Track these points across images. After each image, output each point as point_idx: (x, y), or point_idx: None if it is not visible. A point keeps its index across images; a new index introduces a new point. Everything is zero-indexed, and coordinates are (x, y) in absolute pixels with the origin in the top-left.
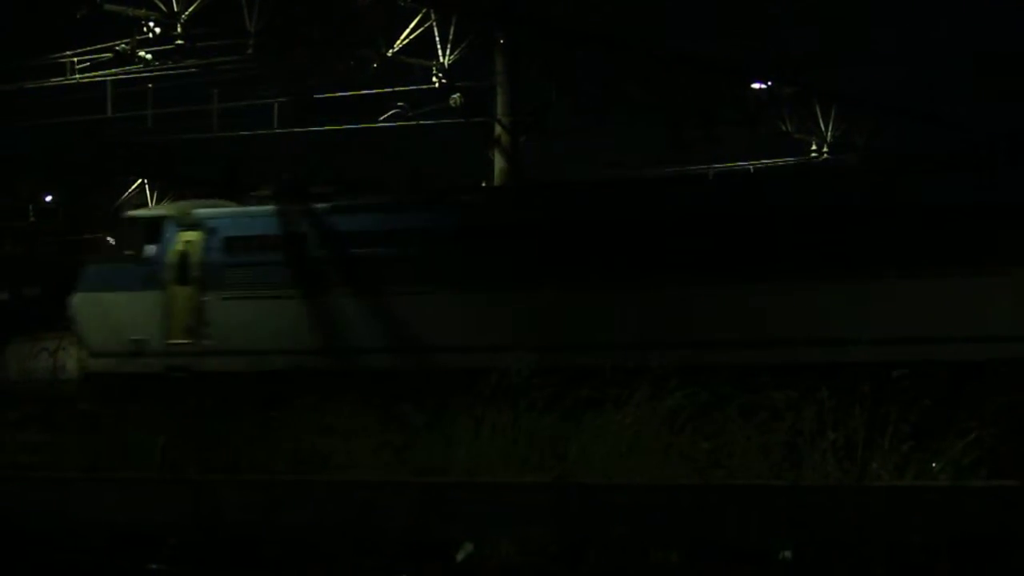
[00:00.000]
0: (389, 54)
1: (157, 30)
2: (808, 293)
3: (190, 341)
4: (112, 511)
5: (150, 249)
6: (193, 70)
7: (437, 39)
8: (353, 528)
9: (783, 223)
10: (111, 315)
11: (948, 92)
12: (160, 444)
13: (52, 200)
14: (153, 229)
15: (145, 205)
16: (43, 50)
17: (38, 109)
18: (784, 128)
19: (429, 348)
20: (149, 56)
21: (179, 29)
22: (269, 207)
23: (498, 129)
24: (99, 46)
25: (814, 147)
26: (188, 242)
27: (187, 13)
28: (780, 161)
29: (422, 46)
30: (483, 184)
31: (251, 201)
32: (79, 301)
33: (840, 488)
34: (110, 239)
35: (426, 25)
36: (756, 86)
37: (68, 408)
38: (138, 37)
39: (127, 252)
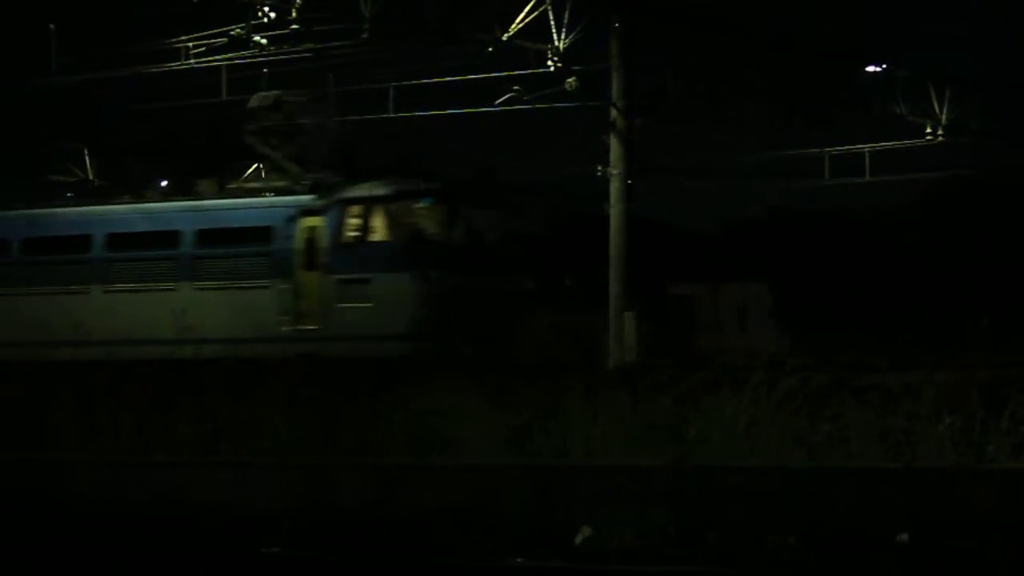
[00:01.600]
0: (504, 38)
1: (272, 14)
2: None
3: None
4: (229, 494)
5: None
6: (308, 55)
7: (552, 22)
8: (471, 512)
9: None
10: None
11: None
12: (276, 428)
13: (168, 184)
14: None
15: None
16: (158, 35)
17: (153, 94)
18: (898, 111)
19: None
20: (264, 40)
21: (294, 13)
22: None
23: (613, 113)
24: (214, 31)
25: (928, 130)
26: None
27: None
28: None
29: (537, 30)
30: None
31: None
32: None
33: (957, 471)
34: None
35: (541, 8)
36: (870, 69)
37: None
38: (253, 21)
39: None
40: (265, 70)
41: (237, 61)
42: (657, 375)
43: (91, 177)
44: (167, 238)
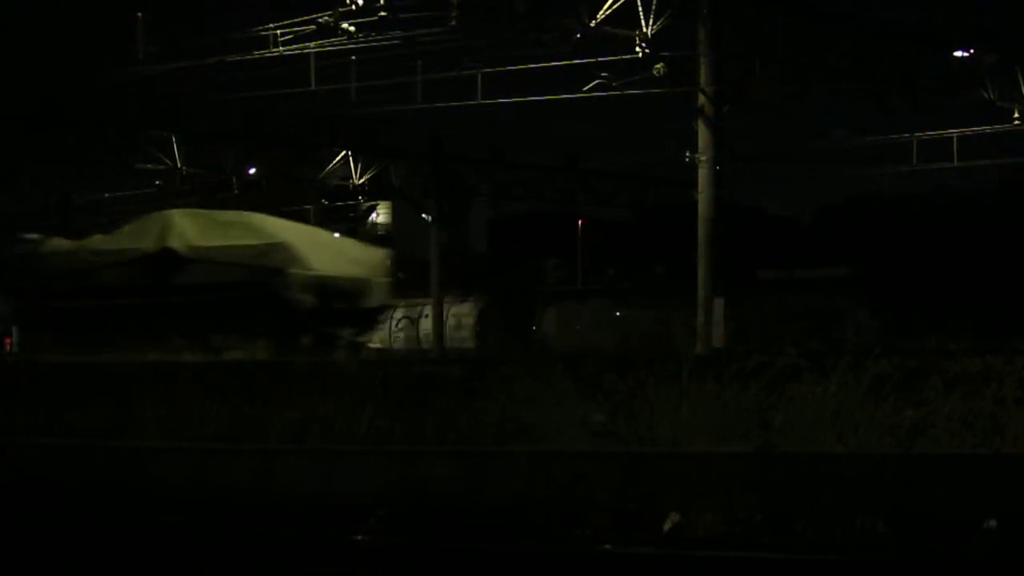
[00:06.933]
0: (592, 24)
1: (360, 1)
2: None
3: None
4: (317, 482)
5: None
6: (396, 42)
7: (640, 8)
8: (559, 499)
9: None
10: None
11: None
12: (366, 416)
13: (256, 172)
14: None
15: (349, 177)
16: (246, 23)
17: (241, 82)
18: (986, 96)
19: None
20: (352, 28)
21: (382, 1)
22: None
23: (701, 99)
24: (302, 18)
25: (1016, 115)
26: None
27: None
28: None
29: (625, 16)
30: None
31: None
32: None
33: None
34: None
35: None
36: (958, 54)
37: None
38: (341, 9)
39: None
40: (353, 57)
41: (325, 49)
42: (743, 361)
43: (179, 165)
44: None
